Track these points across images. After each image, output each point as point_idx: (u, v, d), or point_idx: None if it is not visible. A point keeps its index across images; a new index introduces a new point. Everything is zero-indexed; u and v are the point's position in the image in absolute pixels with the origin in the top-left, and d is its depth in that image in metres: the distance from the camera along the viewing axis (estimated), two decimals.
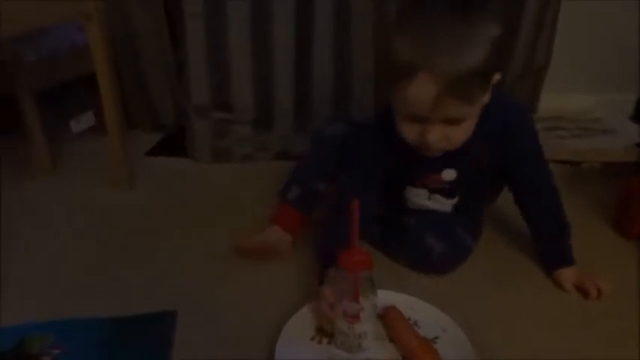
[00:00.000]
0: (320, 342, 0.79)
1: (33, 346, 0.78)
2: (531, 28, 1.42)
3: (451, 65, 0.74)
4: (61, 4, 1.07)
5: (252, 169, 1.40)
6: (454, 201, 0.99)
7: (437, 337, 0.79)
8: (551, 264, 0.95)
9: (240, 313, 0.87)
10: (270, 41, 1.36)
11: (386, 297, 0.83)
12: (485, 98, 0.83)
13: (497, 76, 0.82)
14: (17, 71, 1.24)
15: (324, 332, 0.80)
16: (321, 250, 0.92)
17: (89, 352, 0.78)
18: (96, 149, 1.41)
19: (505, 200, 1.03)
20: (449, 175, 0.95)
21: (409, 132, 0.84)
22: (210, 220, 1.15)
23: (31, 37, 1.28)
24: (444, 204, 1.00)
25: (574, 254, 0.94)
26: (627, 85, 1.59)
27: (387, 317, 0.81)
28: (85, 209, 1.20)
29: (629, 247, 1.04)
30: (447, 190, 0.98)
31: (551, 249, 0.96)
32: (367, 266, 0.75)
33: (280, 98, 1.42)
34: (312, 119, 1.44)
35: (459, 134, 0.83)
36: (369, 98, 1.43)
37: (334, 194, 1.02)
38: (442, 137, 0.82)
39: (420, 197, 1.00)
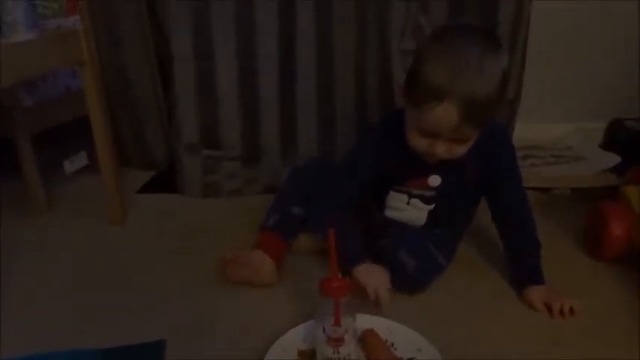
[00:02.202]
0: None
1: None
2: None
3: (475, 94, 0.83)
4: (57, 53, 1.14)
5: (241, 203, 1.45)
6: (431, 207, 1.05)
7: (412, 358, 0.83)
8: (523, 282, 1.00)
9: (226, 339, 0.91)
10: (255, 80, 1.42)
11: (365, 321, 0.88)
12: None
13: None
14: (15, 115, 1.30)
15: (306, 356, 0.84)
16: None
17: None
18: (89, 188, 1.46)
19: (482, 221, 1.08)
20: (434, 180, 1.02)
21: (419, 143, 0.93)
22: (199, 252, 1.19)
23: (29, 83, 1.35)
24: (420, 210, 1.06)
25: (546, 275, 0.99)
26: (598, 113, 1.67)
27: (366, 340, 0.85)
28: (78, 245, 1.24)
29: (599, 267, 1.09)
30: (426, 197, 1.04)
31: (523, 267, 1.02)
32: (346, 292, 0.79)
33: (267, 134, 1.48)
34: (298, 153, 1.50)
35: (463, 149, 0.92)
36: (351, 132, 1.49)
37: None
38: (447, 150, 0.91)
39: (399, 202, 1.06)
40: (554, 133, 1.65)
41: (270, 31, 1.38)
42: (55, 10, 1.30)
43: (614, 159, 1.42)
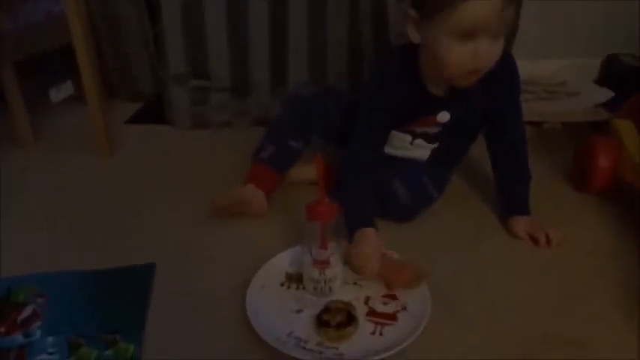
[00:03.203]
0: (289, 287, 0.85)
1: (19, 296, 0.83)
2: None
3: None
4: None
5: (230, 135, 1.44)
6: (434, 145, 1.05)
7: None
8: (509, 211, 1.02)
9: (215, 265, 0.93)
10: (245, 8, 1.38)
11: None
12: None
13: None
14: None
15: (293, 278, 0.86)
16: (346, 216, 0.93)
17: (71, 301, 0.83)
18: (76, 118, 1.44)
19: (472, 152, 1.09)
20: (443, 117, 0.99)
21: (460, 57, 0.84)
22: (188, 183, 1.19)
23: (9, 7, 1.29)
24: (424, 149, 1.05)
25: (532, 207, 1.01)
26: (593, 50, 1.64)
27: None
28: (67, 175, 1.24)
29: (584, 200, 1.10)
30: (430, 135, 1.03)
31: (511, 198, 1.03)
32: (332, 216, 0.80)
33: (256, 65, 1.45)
34: (287, 85, 1.47)
35: (497, 54, 0.86)
36: (343, 63, 1.46)
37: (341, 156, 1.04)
38: (489, 52, 0.84)
39: (402, 142, 1.05)
40: (549, 69, 1.62)
41: None
42: None
43: (607, 94, 1.41)
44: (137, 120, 1.53)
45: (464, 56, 0.84)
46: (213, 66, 1.44)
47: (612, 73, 1.53)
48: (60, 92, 1.38)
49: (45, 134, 1.43)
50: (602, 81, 1.55)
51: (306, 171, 1.12)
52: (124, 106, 1.59)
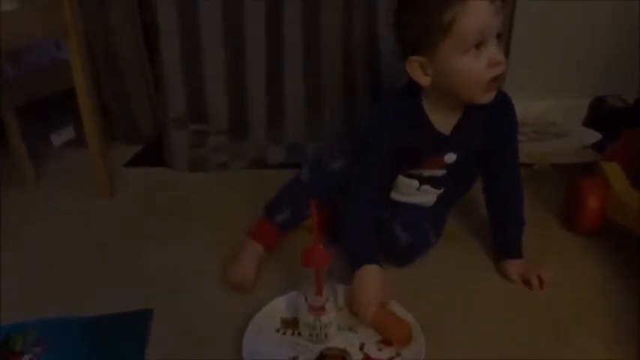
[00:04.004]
0: (284, 333, 0.86)
1: (17, 343, 0.84)
2: None
3: None
4: (42, 24, 1.13)
5: (228, 177, 1.46)
6: (441, 191, 1.06)
7: None
8: (501, 254, 1.03)
9: (213, 311, 0.93)
10: (243, 54, 1.43)
11: (348, 291, 0.91)
12: None
13: None
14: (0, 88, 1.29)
15: (289, 324, 0.87)
16: (349, 255, 0.96)
17: (69, 347, 0.84)
18: (77, 161, 1.47)
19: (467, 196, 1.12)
20: (450, 158, 1.00)
21: (476, 65, 0.85)
22: (186, 225, 1.21)
23: (13, 55, 1.34)
24: (431, 195, 1.06)
25: (523, 247, 1.02)
26: (581, 91, 1.69)
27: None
28: (66, 218, 1.25)
29: (576, 241, 1.12)
30: (436, 180, 1.04)
31: (505, 241, 1.04)
32: (327, 261, 0.82)
33: (253, 109, 1.49)
34: (284, 128, 1.51)
35: (501, 52, 0.86)
36: (339, 107, 1.50)
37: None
38: (499, 54, 0.85)
39: (409, 188, 1.06)
40: (538, 110, 1.67)
41: (258, 5, 1.37)
42: None
43: (595, 135, 1.45)
44: (136, 162, 1.56)
45: (481, 66, 0.85)
46: (212, 109, 1.47)
47: (599, 114, 1.57)
48: (61, 136, 1.41)
49: (46, 176, 1.45)
50: (590, 122, 1.59)
51: None
52: (123, 149, 1.62)
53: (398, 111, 0.97)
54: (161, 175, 1.48)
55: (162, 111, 1.49)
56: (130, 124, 1.66)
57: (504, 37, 1.47)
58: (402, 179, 1.05)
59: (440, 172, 1.03)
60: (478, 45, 0.84)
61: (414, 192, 1.06)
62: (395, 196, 1.08)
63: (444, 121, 0.96)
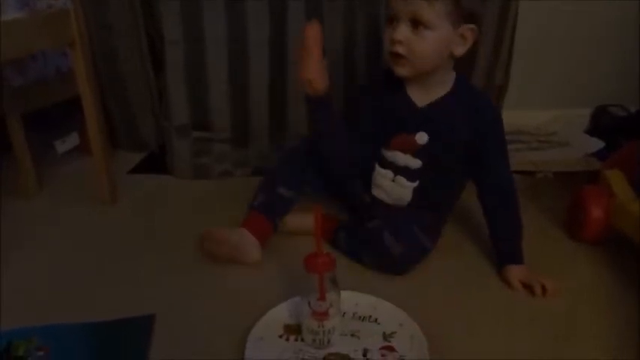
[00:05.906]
0: (287, 339, 0.86)
1: (19, 349, 0.83)
2: (490, 50, 1.52)
3: None
4: (47, 33, 1.14)
5: (231, 185, 1.47)
6: (415, 184, 1.07)
7: (394, 332, 0.86)
8: (503, 260, 1.03)
9: (214, 315, 0.93)
10: (246, 63, 1.43)
11: (350, 297, 0.91)
12: (459, 50, 0.96)
13: (470, 28, 0.94)
14: (5, 94, 1.30)
15: (292, 330, 0.87)
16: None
17: (71, 353, 0.84)
18: (80, 168, 1.48)
19: (465, 202, 1.12)
20: (422, 138, 1.03)
21: (386, 37, 0.97)
22: (189, 233, 1.21)
23: (19, 63, 1.35)
24: (406, 188, 1.07)
25: (527, 255, 1.02)
26: (583, 100, 1.70)
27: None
28: (69, 225, 1.26)
29: (579, 249, 1.12)
30: (411, 172, 1.06)
31: (504, 246, 1.04)
32: (330, 267, 0.82)
33: (257, 117, 1.50)
34: (287, 136, 1.51)
35: (421, 46, 0.94)
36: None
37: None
38: (405, 40, 0.94)
39: (384, 179, 1.08)
40: (541, 119, 1.68)
41: (261, 16, 1.38)
42: None
43: (597, 144, 1.45)
44: (140, 170, 1.56)
45: (387, 40, 0.97)
46: (215, 118, 1.48)
47: (602, 124, 1.58)
48: (65, 144, 1.41)
49: (49, 183, 1.45)
50: (592, 131, 1.60)
51: (304, 221, 1.12)
52: (127, 156, 1.62)
53: (378, 75, 1.09)
54: (164, 183, 1.48)
55: (166, 119, 1.49)
56: (133, 131, 1.66)
57: (503, 45, 1.50)
58: (378, 170, 1.09)
59: (414, 164, 1.05)
60: (392, 20, 0.95)
61: (389, 184, 1.09)
62: (374, 191, 1.12)
63: (419, 96, 1.03)
